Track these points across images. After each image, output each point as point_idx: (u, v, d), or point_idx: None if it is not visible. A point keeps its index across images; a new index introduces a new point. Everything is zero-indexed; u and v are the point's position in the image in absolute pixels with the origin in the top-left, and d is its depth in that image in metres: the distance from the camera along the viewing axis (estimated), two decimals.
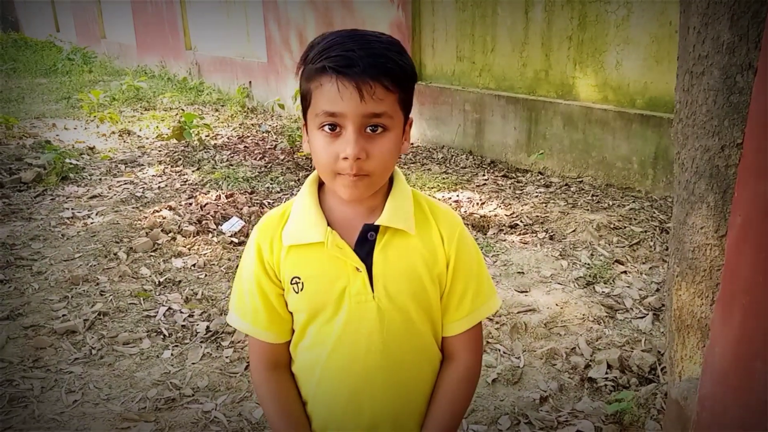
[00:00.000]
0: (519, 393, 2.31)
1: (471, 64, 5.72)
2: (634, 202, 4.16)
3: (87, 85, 10.70)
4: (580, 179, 4.72)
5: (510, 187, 4.68)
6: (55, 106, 8.88)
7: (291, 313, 1.12)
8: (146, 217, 4.09)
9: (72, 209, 4.36)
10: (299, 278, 1.05)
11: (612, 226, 3.75)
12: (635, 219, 3.86)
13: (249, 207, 4.25)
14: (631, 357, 2.44)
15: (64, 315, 2.88)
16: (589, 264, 3.30)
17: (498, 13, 5.31)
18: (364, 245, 1.04)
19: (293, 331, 1.13)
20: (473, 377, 1.16)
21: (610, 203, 4.17)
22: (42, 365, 2.51)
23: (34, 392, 2.33)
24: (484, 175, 5.03)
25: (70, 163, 5.31)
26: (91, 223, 4.09)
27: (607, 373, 2.37)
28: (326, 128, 0.96)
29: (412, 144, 6.05)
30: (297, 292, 1.06)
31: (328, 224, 1.04)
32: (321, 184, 1.10)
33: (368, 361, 1.07)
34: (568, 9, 4.73)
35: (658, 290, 2.99)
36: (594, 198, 4.31)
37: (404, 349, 1.08)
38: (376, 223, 1.04)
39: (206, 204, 4.31)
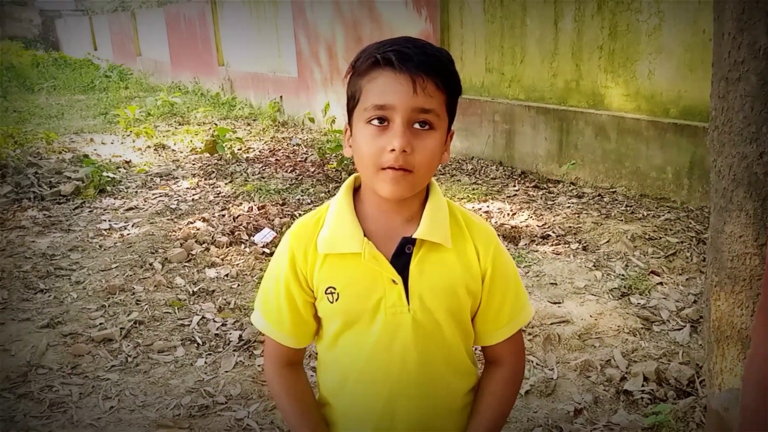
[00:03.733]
0: (553, 405, 2.27)
1: (500, 76, 5.72)
2: (669, 212, 4.08)
3: (123, 101, 11.00)
4: (614, 189, 4.65)
5: (541, 198, 4.64)
6: (93, 121, 9.14)
7: (320, 319, 1.11)
8: (181, 229, 4.17)
9: (109, 221, 4.47)
10: (334, 288, 1.05)
11: (647, 236, 3.68)
12: (671, 229, 3.78)
13: (280, 218, 4.30)
14: (668, 369, 2.38)
15: (101, 323, 2.95)
16: (623, 275, 3.24)
17: (527, 25, 5.30)
18: (401, 257, 1.04)
19: (316, 335, 1.14)
20: (517, 379, 1.16)
21: (645, 214, 4.10)
22: (80, 372, 2.57)
23: (73, 398, 2.39)
24: (514, 186, 5.00)
25: (107, 177, 5.45)
26: (128, 234, 4.19)
27: (643, 385, 2.32)
28: (375, 122, 0.97)
29: None
30: (332, 302, 1.05)
31: (364, 234, 1.04)
32: (356, 192, 1.10)
33: (403, 372, 1.06)
34: (598, 19, 4.70)
35: (695, 302, 2.93)
36: (628, 208, 4.24)
37: (438, 362, 1.08)
38: (414, 236, 1.03)
39: (239, 215, 4.37)
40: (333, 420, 1.14)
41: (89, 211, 4.74)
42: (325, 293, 1.05)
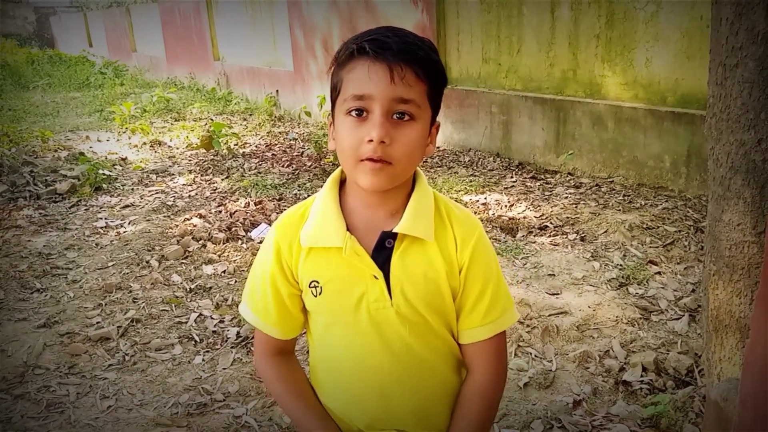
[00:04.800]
0: (551, 397, 2.26)
1: (497, 66, 5.68)
2: (667, 201, 4.07)
3: (119, 97, 10.94)
4: (611, 179, 4.64)
5: (539, 189, 4.62)
6: (89, 119, 9.10)
7: (308, 312, 1.11)
8: (177, 226, 4.15)
9: (105, 219, 4.45)
10: (318, 282, 1.04)
11: (645, 226, 3.67)
12: (669, 219, 3.77)
13: (277, 213, 4.28)
14: (667, 359, 2.37)
15: (98, 322, 2.94)
16: (621, 265, 3.23)
17: (524, 14, 5.27)
18: (382, 251, 1.03)
19: (305, 331, 1.14)
20: (491, 392, 1.10)
21: (643, 203, 4.09)
22: (77, 371, 2.55)
23: (70, 398, 2.37)
24: (512, 177, 4.98)
25: (104, 174, 5.43)
26: (124, 232, 4.17)
27: (642, 376, 2.31)
28: (353, 113, 0.95)
29: (438, 147, 6.04)
30: (315, 296, 1.05)
31: (348, 228, 1.03)
32: (342, 186, 1.09)
33: (394, 365, 1.06)
34: (595, 7, 4.66)
35: (693, 291, 2.92)
36: (626, 198, 4.23)
37: (427, 352, 1.07)
38: (394, 231, 1.02)
39: (235, 211, 4.35)
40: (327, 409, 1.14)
41: (85, 209, 4.71)
42: (309, 287, 1.05)
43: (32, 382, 2.47)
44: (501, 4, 5.46)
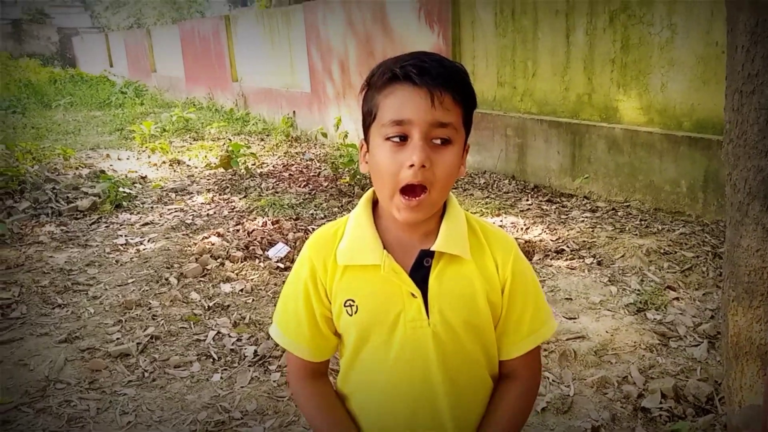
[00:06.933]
0: (569, 422, 2.25)
1: (512, 89, 5.73)
2: (684, 226, 4.05)
3: (139, 117, 11.13)
4: (628, 203, 4.63)
5: (555, 212, 4.63)
6: (109, 137, 9.27)
7: (340, 335, 1.11)
8: (196, 244, 4.20)
9: (125, 236, 4.51)
10: (353, 301, 1.05)
11: (662, 251, 3.66)
12: (686, 244, 3.75)
13: (294, 233, 4.32)
14: (687, 386, 2.36)
15: (118, 338, 2.97)
16: (639, 290, 3.22)
17: (539, 38, 5.32)
18: (420, 270, 1.04)
19: (336, 351, 1.14)
20: (531, 394, 1.14)
21: (660, 228, 4.08)
22: (97, 387, 2.59)
23: (90, 413, 2.40)
24: (527, 200, 4.99)
25: (124, 192, 5.52)
26: (144, 249, 4.23)
27: (661, 402, 2.30)
28: (393, 138, 0.96)
29: None
30: (350, 315, 1.05)
31: (384, 247, 1.04)
32: (375, 204, 1.10)
33: (425, 385, 1.06)
34: (610, 32, 4.71)
35: (712, 317, 2.90)
36: (642, 222, 4.22)
37: (461, 373, 1.07)
38: (432, 249, 1.03)
39: (253, 230, 4.40)
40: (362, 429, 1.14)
41: (106, 227, 4.79)
42: (344, 306, 1.06)
43: (53, 397, 2.51)
44: (516, 29, 5.52)
